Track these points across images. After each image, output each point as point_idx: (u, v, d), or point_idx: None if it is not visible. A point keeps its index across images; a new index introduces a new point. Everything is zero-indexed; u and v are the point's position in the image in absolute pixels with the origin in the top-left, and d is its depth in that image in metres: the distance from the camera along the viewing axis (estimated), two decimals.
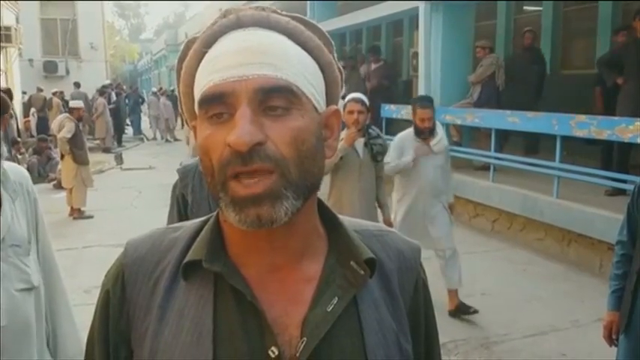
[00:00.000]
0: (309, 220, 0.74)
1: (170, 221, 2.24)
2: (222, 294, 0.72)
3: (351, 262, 0.74)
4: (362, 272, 0.73)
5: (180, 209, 2.23)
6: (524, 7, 10.34)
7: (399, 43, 13.80)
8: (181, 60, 0.76)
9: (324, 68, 0.75)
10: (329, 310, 0.71)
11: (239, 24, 0.72)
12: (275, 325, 0.70)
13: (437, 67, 7.94)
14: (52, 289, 1.76)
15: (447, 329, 3.87)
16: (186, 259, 0.73)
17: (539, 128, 6.26)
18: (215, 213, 0.78)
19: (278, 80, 0.67)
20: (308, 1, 12.32)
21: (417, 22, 8.35)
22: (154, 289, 0.75)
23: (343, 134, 3.74)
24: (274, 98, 0.66)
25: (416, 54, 9.23)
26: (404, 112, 8.87)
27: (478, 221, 7.07)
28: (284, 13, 0.75)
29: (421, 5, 7.93)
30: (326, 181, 3.84)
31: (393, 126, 9.19)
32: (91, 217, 7.71)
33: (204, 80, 0.69)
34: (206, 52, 0.72)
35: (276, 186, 0.65)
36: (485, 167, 7.15)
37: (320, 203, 0.78)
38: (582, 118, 5.61)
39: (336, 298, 0.72)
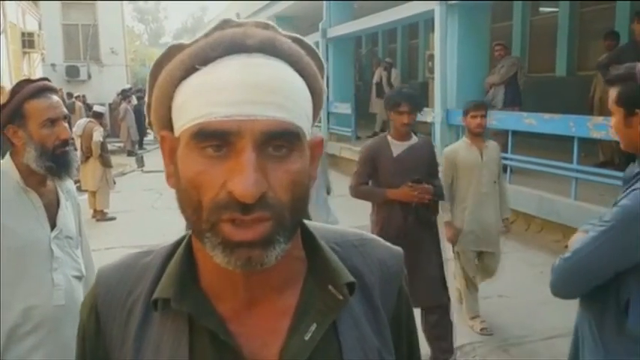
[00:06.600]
0: (290, 252, 0.69)
1: None
2: (197, 329, 0.69)
3: (329, 287, 0.71)
4: (340, 297, 0.71)
5: None
6: (540, 9, 10.30)
7: (415, 46, 13.80)
8: (160, 64, 0.70)
9: (314, 95, 0.71)
10: (307, 338, 0.69)
11: (243, 47, 0.65)
12: (253, 359, 0.69)
13: (453, 69, 7.96)
14: (90, 283, 1.99)
15: (465, 332, 3.90)
16: (155, 295, 0.70)
17: (556, 130, 6.25)
18: (186, 239, 0.75)
19: (287, 125, 0.64)
20: (324, 4, 12.40)
21: (433, 24, 8.37)
22: (128, 319, 0.73)
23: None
24: (279, 140, 0.63)
25: (431, 56, 9.24)
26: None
27: None
28: (284, 32, 0.71)
29: (437, 7, 7.95)
30: None
31: None
32: (113, 218, 7.87)
33: (203, 109, 0.63)
34: (197, 69, 0.65)
35: (271, 233, 0.63)
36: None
37: (301, 224, 0.75)
38: (599, 119, 5.60)
39: (315, 325, 0.70)
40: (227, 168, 0.62)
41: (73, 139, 7.58)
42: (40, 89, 1.83)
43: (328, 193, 5.22)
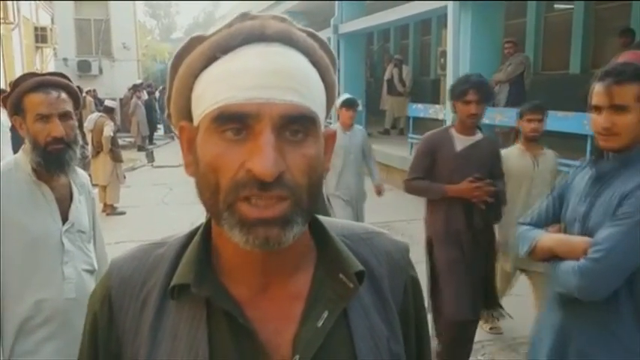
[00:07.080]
0: (302, 238, 0.71)
1: None
2: (215, 315, 0.71)
3: (340, 275, 0.73)
4: (351, 285, 0.72)
5: None
6: (555, 6, 10.21)
7: (427, 42, 13.73)
8: (181, 56, 0.72)
9: (327, 88, 0.74)
10: (319, 325, 0.71)
11: (262, 37, 0.68)
12: (268, 344, 0.70)
13: (465, 66, 7.90)
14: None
15: None
16: (174, 282, 0.71)
17: (569, 128, 6.18)
18: (202, 227, 0.77)
19: (303, 109, 0.66)
20: (336, 1, 12.36)
21: (446, 21, 8.31)
22: (142, 310, 0.74)
23: None
24: (296, 125, 0.66)
25: (444, 52, 9.20)
26: (431, 111, 8.86)
27: None
28: (299, 26, 0.73)
29: (450, 4, 7.89)
30: None
31: (420, 126, 9.19)
32: (123, 213, 7.90)
33: (223, 94, 0.65)
34: (218, 58, 0.68)
35: (289, 212, 0.65)
36: None
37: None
38: None
39: (326, 312, 0.71)
40: (246, 150, 0.64)
41: (84, 134, 7.70)
42: (40, 83, 1.80)
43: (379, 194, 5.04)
